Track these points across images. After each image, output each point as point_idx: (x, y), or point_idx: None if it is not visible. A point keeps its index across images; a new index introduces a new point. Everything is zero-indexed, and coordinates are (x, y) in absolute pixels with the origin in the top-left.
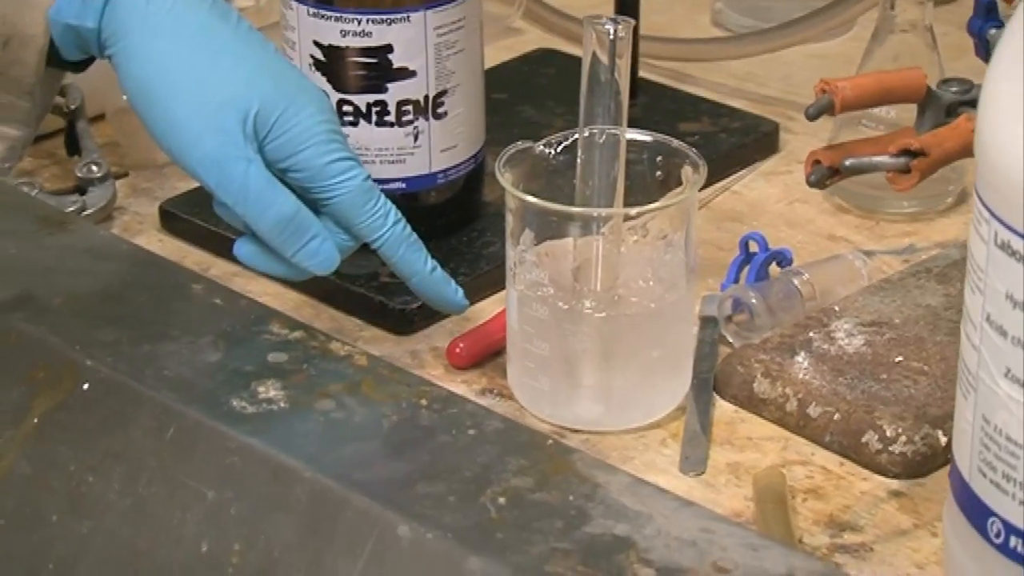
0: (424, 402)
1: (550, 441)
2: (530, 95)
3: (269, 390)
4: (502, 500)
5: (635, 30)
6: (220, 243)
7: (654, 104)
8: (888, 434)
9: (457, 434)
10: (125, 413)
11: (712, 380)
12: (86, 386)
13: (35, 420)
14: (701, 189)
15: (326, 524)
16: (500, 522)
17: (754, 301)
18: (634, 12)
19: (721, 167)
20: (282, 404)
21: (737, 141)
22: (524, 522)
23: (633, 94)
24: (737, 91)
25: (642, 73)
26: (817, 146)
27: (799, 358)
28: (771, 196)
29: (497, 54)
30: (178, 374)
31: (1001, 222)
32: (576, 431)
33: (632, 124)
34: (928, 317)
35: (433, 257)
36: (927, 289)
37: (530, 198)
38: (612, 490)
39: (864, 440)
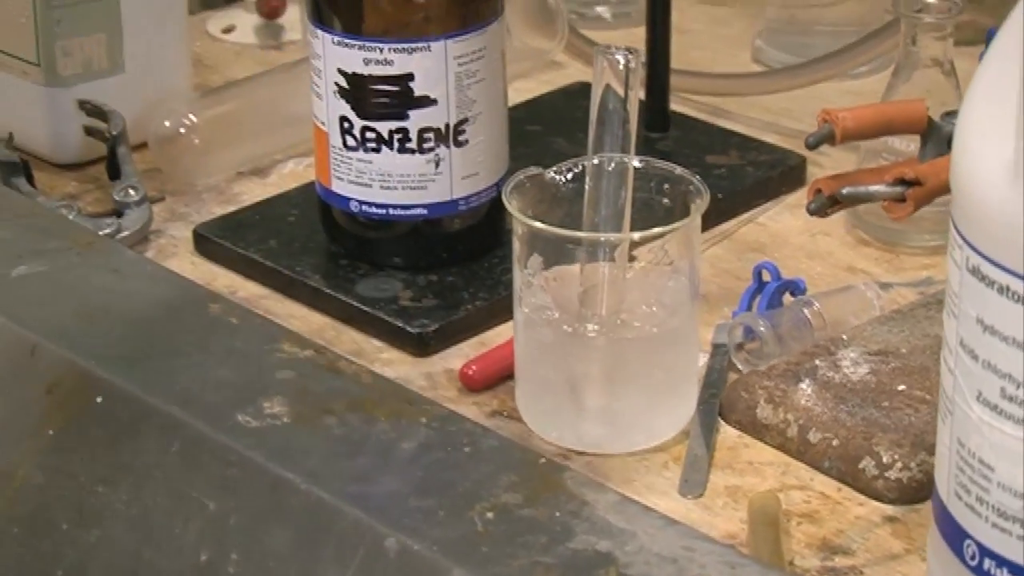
0: (424, 420)
1: (543, 460)
2: (564, 128)
3: (274, 406)
4: (490, 515)
5: (667, 64)
6: (250, 266)
7: (685, 137)
8: (884, 460)
9: (453, 451)
10: (135, 426)
11: (718, 405)
12: (100, 399)
13: (50, 432)
14: (726, 220)
15: (319, 535)
16: (486, 536)
17: (763, 329)
18: (664, 47)
19: (746, 199)
20: (286, 419)
21: (763, 174)
22: (509, 536)
23: (665, 127)
24: (771, 125)
25: (679, 107)
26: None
27: (803, 385)
28: (794, 228)
29: (537, 87)
30: (187, 389)
31: (972, 248)
32: (580, 453)
33: (662, 156)
34: (935, 347)
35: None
36: (936, 320)
37: (537, 224)
38: (599, 508)
39: (861, 466)
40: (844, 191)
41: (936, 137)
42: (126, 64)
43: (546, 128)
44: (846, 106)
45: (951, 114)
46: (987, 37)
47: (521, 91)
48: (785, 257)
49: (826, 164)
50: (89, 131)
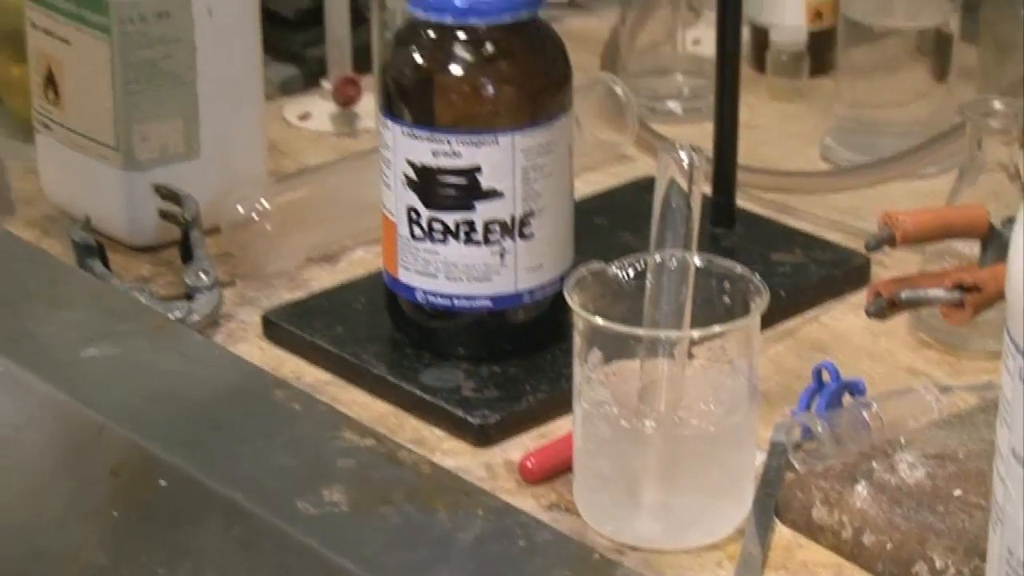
0: (480, 512)
1: (596, 555)
2: (631, 222)
3: (334, 493)
4: None
5: (734, 160)
6: (316, 352)
7: (750, 234)
8: (938, 566)
9: (507, 544)
10: (196, 510)
11: (774, 504)
12: (163, 482)
13: (114, 513)
14: (788, 318)
15: None
16: None
17: (821, 430)
18: (732, 143)
19: (809, 298)
20: (344, 508)
21: (827, 273)
22: None
23: (731, 223)
24: (837, 224)
25: (746, 203)
26: (904, 275)
27: (859, 487)
28: (856, 328)
29: (606, 179)
30: (249, 474)
31: None
32: (636, 548)
33: (727, 253)
34: (992, 453)
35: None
36: (995, 426)
37: (597, 319)
38: None
39: (914, 571)
40: (903, 295)
41: (997, 243)
42: (202, 149)
43: (613, 222)
44: (912, 206)
45: (1012, 221)
46: None
47: (591, 183)
48: (846, 357)
49: (890, 264)
50: (164, 215)
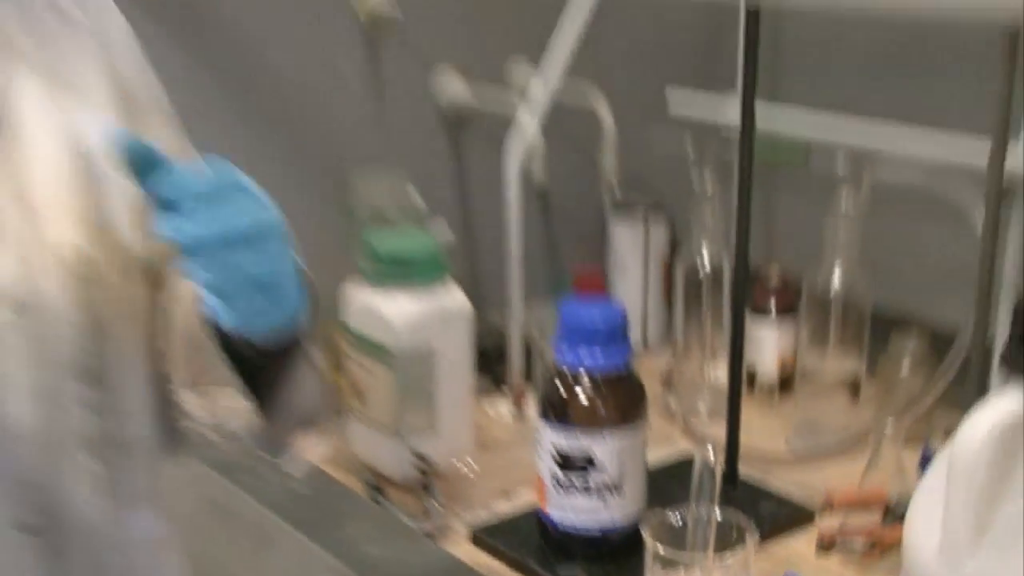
0: None
1: None
2: (679, 484)
3: None
4: None
5: (736, 448)
6: (499, 553)
7: (748, 491)
8: None
9: None
10: None
11: None
12: None
13: None
14: (768, 542)
15: None
16: None
17: None
18: (735, 438)
19: (781, 531)
20: None
21: (791, 516)
22: None
23: (735, 485)
24: (797, 485)
25: (746, 470)
26: (836, 525)
27: None
28: (810, 552)
29: (664, 456)
30: None
31: None
32: None
33: (734, 504)
34: None
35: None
36: None
37: (659, 547)
38: None
39: None
40: (837, 541)
41: (894, 511)
42: (438, 428)
43: (669, 484)
44: (842, 474)
45: (902, 498)
46: (922, 458)
47: (656, 457)
48: (804, 569)
49: (831, 515)
50: (416, 466)
